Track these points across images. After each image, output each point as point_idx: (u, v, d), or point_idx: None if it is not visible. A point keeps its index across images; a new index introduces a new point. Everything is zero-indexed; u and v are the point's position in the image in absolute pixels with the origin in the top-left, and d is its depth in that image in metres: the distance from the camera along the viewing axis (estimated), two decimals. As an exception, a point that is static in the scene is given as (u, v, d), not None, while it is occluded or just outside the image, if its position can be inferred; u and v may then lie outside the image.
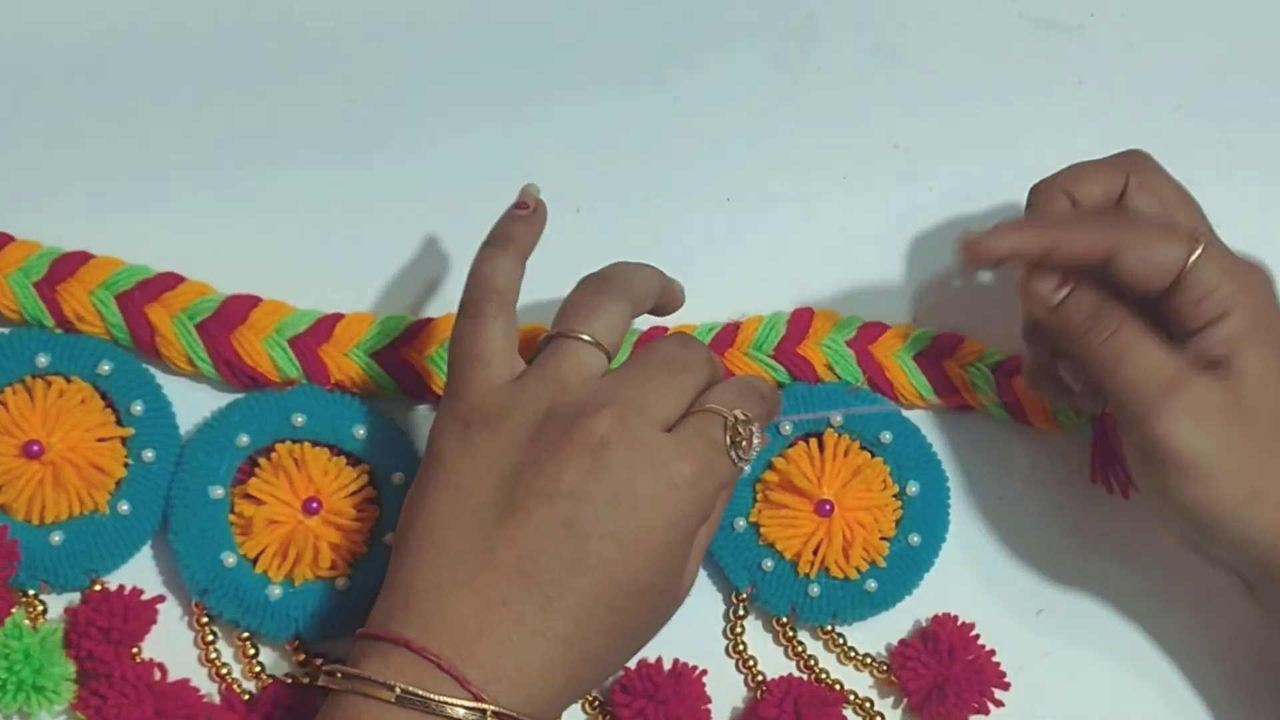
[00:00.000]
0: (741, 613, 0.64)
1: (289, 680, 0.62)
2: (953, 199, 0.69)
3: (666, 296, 0.60)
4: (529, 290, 0.65)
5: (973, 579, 0.65)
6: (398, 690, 0.51)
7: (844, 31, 0.71)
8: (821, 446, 0.64)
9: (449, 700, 0.51)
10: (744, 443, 0.56)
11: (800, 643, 0.64)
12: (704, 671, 0.62)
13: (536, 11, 0.69)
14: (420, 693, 0.51)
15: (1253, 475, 0.57)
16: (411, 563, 0.54)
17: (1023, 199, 0.69)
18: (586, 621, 0.53)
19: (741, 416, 0.56)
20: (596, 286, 0.57)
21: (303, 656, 0.62)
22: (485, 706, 0.51)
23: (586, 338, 0.56)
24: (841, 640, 0.64)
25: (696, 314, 0.65)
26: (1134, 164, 0.62)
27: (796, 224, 0.69)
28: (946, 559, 0.65)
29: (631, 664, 0.61)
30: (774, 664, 0.64)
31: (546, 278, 0.65)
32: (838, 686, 0.64)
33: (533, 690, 0.52)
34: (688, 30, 0.70)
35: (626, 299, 0.58)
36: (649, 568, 0.53)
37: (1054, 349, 0.61)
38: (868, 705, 0.64)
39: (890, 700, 0.64)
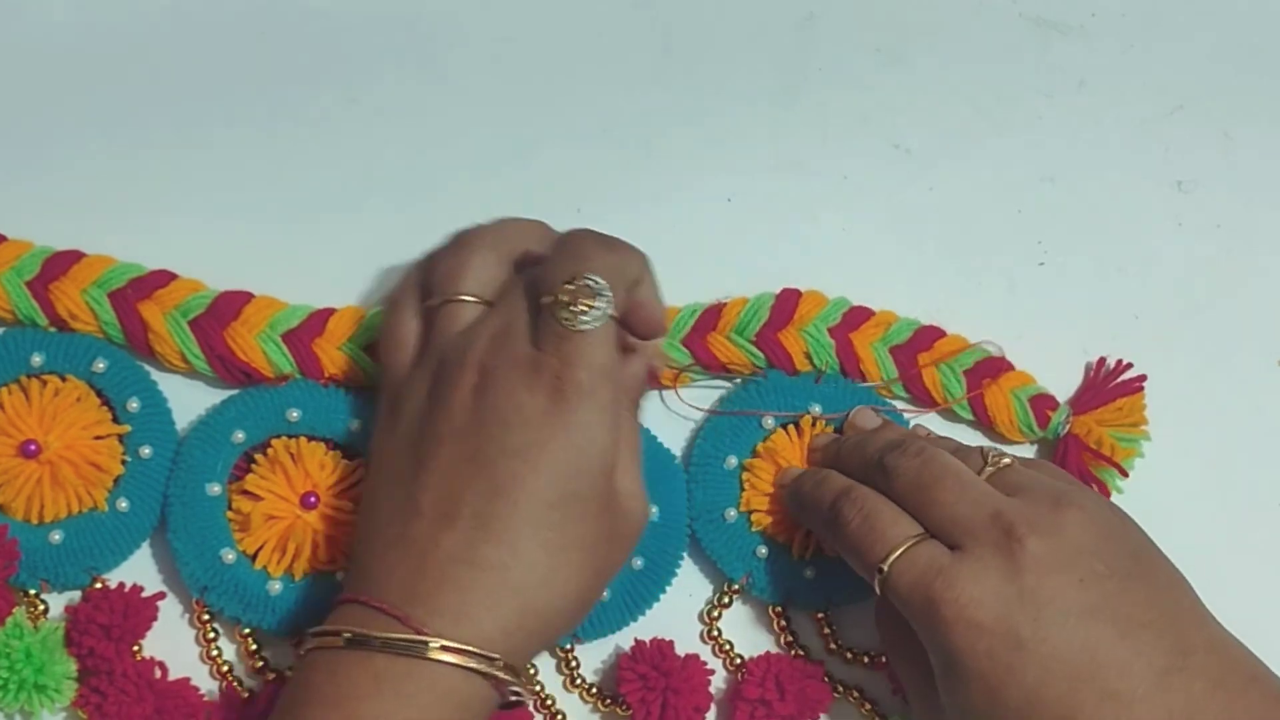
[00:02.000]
0: (727, 601, 0.67)
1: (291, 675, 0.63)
2: (953, 199, 0.71)
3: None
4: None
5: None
6: (345, 635, 0.55)
7: (844, 32, 0.72)
8: (800, 433, 0.67)
9: (392, 636, 0.54)
10: (581, 305, 0.57)
11: (793, 632, 0.66)
12: (711, 671, 0.65)
13: (537, 12, 0.71)
14: (365, 632, 0.55)
15: None
16: (358, 537, 0.59)
17: (1022, 200, 0.71)
18: (516, 542, 0.55)
19: (569, 288, 0.57)
20: (458, 244, 0.62)
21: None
22: (427, 638, 0.54)
23: (469, 297, 0.60)
24: (831, 630, 0.67)
25: (695, 311, 0.67)
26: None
27: (797, 224, 0.70)
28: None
29: (646, 639, 0.65)
30: (751, 648, 0.66)
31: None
32: (826, 680, 0.66)
33: (481, 621, 0.55)
34: (688, 30, 0.71)
35: (492, 249, 0.61)
36: (560, 472, 0.56)
37: None
38: (857, 695, 0.66)
39: (881, 686, 0.66)
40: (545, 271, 0.58)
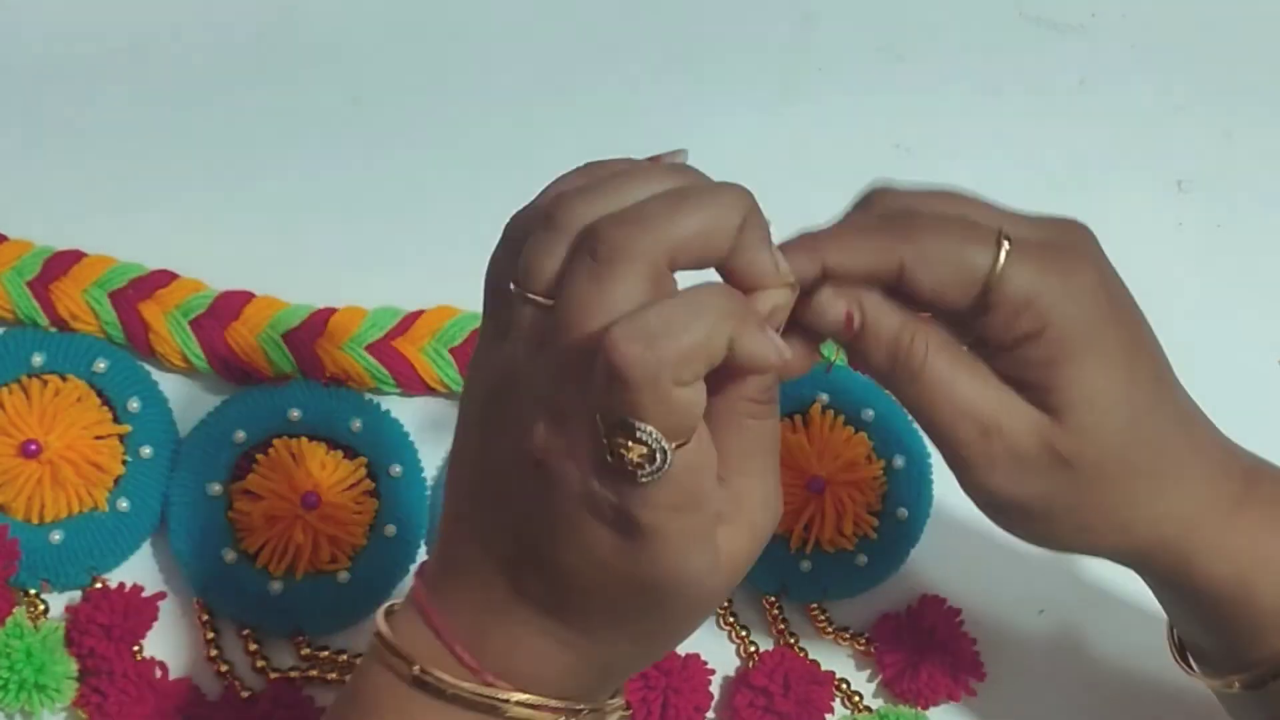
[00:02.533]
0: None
1: (293, 674, 0.64)
2: (953, 199, 0.72)
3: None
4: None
5: (972, 578, 0.67)
6: (415, 670, 0.49)
7: (844, 31, 0.72)
8: (807, 422, 0.67)
9: (466, 690, 0.49)
10: (632, 464, 0.45)
11: (785, 620, 0.67)
12: (712, 670, 0.65)
13: (538, 12, 0.71)
14: (436, 676, 0.48)
15: (1082, 511, 0.54)
16: (444, 520, 0.51)
17: (1022, 200, 0.72)
18: (590, 627, 0.49)
19: (616, 440, 0.45)
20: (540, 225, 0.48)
21: (307, 650, 0.64)
22: (504, 695, 0.49)
23: (536, 298, 0.47)
24: (824, 615, 0.67)
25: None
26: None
27: (797, 225, 0.71)
28: (946, 558, 0.67)
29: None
30: (763, 640, 0.67)
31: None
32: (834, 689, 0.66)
33: (551, 681, 0.49)
34: (688, 30, 0.71)
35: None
36: (634, 598, 0.48)
37: None
38: (844, 685, 0.67)
39: (866, 674, 0.67)
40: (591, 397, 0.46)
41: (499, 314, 0.49)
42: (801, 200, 0.71)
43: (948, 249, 0.51)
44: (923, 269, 0.51)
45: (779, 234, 0.70)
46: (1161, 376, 0.55)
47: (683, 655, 0.65)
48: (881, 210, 0.54)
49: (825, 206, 0.71)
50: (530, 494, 0.47)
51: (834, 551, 0.66)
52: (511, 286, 0.47)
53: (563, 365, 0.46)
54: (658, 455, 0.45)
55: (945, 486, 0.68)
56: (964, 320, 0.52)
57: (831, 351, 0.68)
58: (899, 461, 0.67)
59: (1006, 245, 0.51)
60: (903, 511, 0.67)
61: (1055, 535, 0.55)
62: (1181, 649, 0.59)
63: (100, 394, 0.64)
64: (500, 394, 0.48)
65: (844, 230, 0.53)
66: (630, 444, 0.45)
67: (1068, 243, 0.53)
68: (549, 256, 0.47)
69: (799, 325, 0.52)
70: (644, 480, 0.45)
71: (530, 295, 0.46)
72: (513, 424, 0.47)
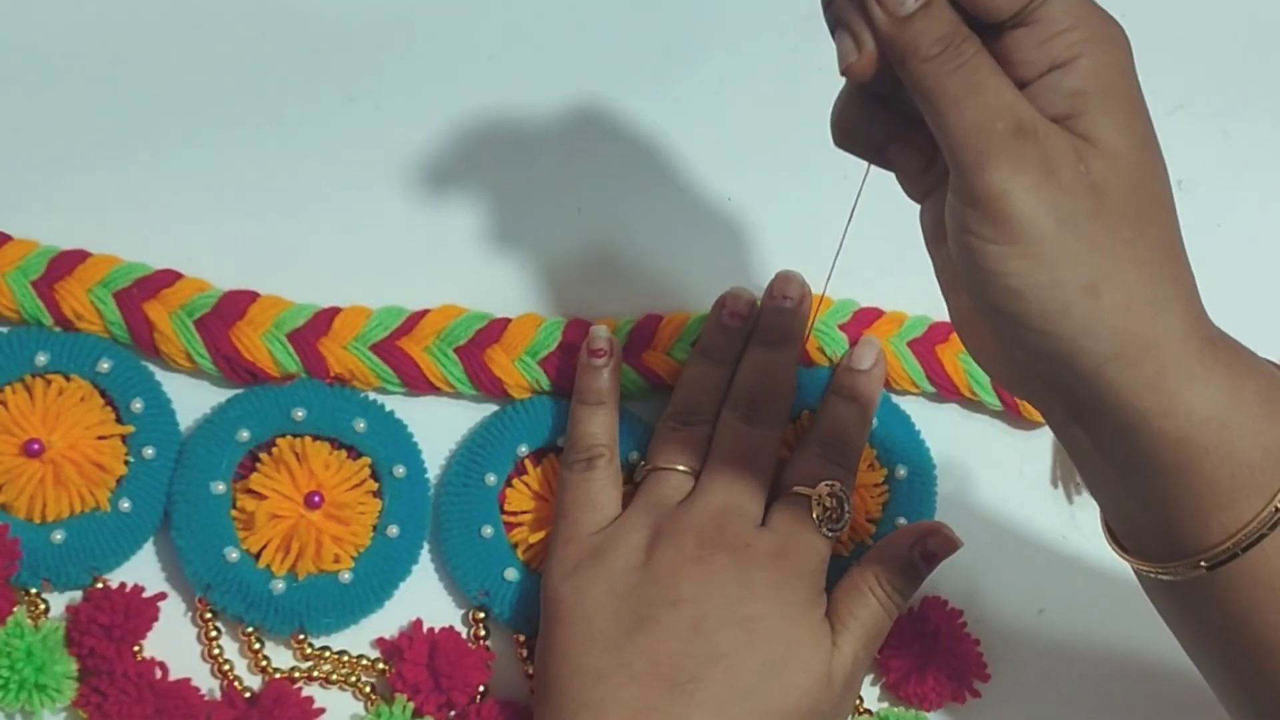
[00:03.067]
0: None
1: (294, 674, 0.63)
2: (953, 199, 0.71)
3: None
4: (528, 287, 0.67)
5: (972, 580, 0.67)
6: None
7: None
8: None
9: None
10: (833, 514, 0.62)
11: None
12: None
13: (537, 11, 0.71)
14: None
15: (1095, 261, 0.48)
16: (556, 692, 0.58)
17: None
18: (728, 706, 0.57)
19: (827, 490, 0.62)
20: (679, 426, 0.64)
21: (309, 650, 0.63)
22: None
23: (681, 468, 0.63)
24: None
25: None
26: None
27: (797, 224, 0.70)
28: (946, 559, 0.66)
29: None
30: None
31: (547, 277, 0.67)
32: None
33: None
34: (688, 30, 0.71)
35: (710, 426, 0.64)
36: (775, 645, 0.59)
37: (875, 93, 0.53)
38: None
39: (868, 679, 0.66)
40: (806, 460, 0.63)
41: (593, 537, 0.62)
42: (803, 200, 0.71)
43: None
44: None
45: (777, 231, 0.70)
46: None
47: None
48: None
49: (826, 206, 0.70)
50: (695, 581, 0.60)
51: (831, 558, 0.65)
52: (679, 468, 0.63)
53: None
54: (846, 517, 0.62)
55: (947, 489, 0.68)
56: (992, 38, 0.49)
57: (836, 356, 0.67)
58: (901, 471, 0.66)
59: None
60: (901, 521, 0.66)
61: (1048, 288, 0.48)
62: (1116, 540, 0.55)
63: (104, 394, 0.63)
64: (656, 540, 0.61)
65: None
66: (838, 506, 0.62)
67: (1102, 10, 0.50)
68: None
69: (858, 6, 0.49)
70: (829, 535, 0.62)
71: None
72: (674, 550, 0.60)
